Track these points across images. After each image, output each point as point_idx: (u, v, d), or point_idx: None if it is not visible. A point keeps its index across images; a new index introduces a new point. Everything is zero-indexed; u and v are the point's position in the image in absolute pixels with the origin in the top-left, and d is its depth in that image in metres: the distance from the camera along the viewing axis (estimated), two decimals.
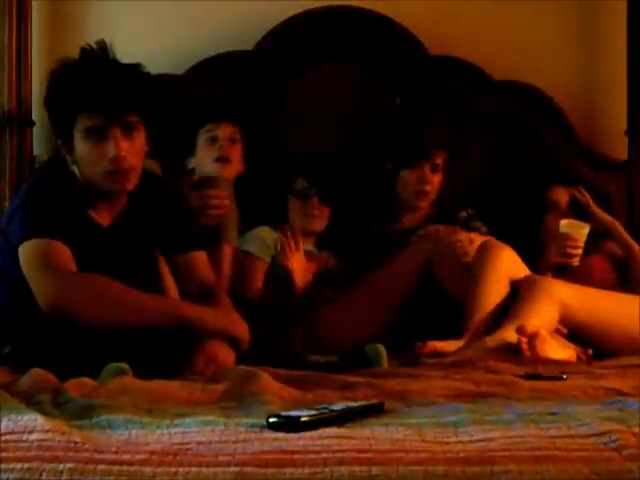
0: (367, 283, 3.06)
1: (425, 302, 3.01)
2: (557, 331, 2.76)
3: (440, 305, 3.01)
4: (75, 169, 2.39)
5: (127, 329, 2.20)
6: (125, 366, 2.09)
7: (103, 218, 2.42)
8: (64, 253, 2.28)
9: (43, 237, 2.28)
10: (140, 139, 2.38)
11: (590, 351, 2.73)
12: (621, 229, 3.28)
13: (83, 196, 2.39)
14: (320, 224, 3.37)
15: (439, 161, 3.35)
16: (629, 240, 3.26)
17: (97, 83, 2.32)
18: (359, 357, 2.44)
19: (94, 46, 2.37)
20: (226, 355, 2.30)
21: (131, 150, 2.34)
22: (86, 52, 2.38)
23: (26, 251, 2.29)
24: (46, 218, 2.32)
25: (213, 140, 3.27)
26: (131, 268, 2.39)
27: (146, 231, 2.46)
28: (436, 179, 3.36)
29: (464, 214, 3.41)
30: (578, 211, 3.27)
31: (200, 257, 2.52)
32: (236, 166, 3.27)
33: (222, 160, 3.21)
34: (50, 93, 2.43)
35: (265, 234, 3.29)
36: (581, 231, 3.07)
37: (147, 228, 2.46)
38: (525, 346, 2.54)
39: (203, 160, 3.25)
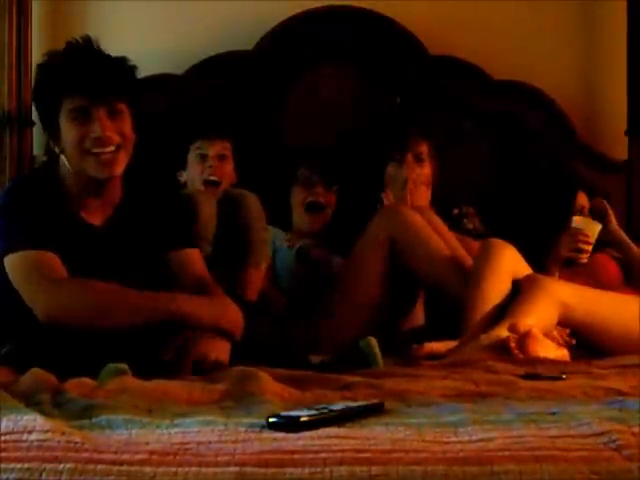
0: (341, 280, 3.05)
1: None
2: (559, 333, 2.75)
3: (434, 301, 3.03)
4: (63, 158, 2.39)
5: (123, 330, 2.20)
6: (124, 366, 2.09)
7: (95, 217, 2.42)
8: (51, 261, 2.28)
9: (27, 248, 2.28)
10: (127, 125, 2.38)
11: (573, 340, 2.73)
12: (632, 245, 3.31)
13: (70, 196, 2.39)
14: (324, 218, 3.37)
15: (422, 150, 3.36)
16: (635, 252, 3.28)
17: (81, 68, 2.35)
18: (354, 353, 2.43)
19: (79, 40, 2.40)
20: (220, 349, 2.29)
21: (116, 131, 2.34)
22: (71, 44, 2.41)
23: (11, 264, 2.29)
24: (28, 227, 2.32)
25: (203, 158, 3.26)
26: (128, 266, 2.39)
27: (140, 228, 2.45)
28: (424, 170, 3.35)
29: (456, 212, 3.41)
30: (596, 219, 3.27)
31: (194, 253, 2.52)
32: (228, 181, 3.26)
33: (212, 184, 3.20)
34: (37, 83, 2.46)
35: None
36: (593, 228, 3.11)
37: (141, 225, 2.45)
38: (513, 345, 2.53)
39: (193, 177, 3.25)
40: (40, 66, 2.44)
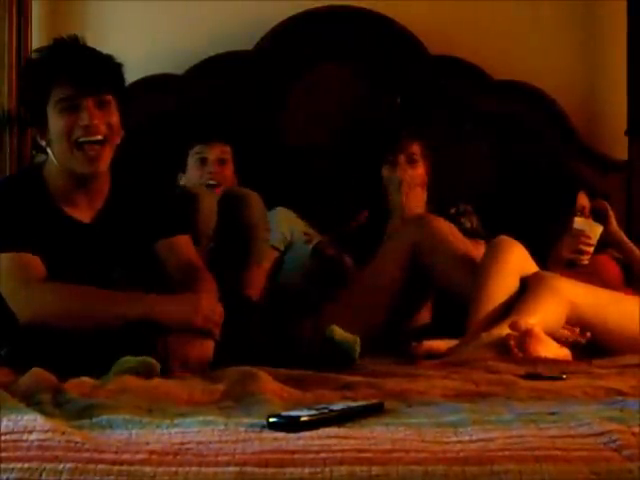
0: (356, 281, 3.05)
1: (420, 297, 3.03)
2: (570, 332, 2.74)
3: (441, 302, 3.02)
4: (50, 153, 2.41)
5: (100, 331, 2.22)
6: (151, 360, 2.10)
7: (83, 214, 2.44)
8: (31, 263, 2.31)
9: (8, 250, 2.32)
10: (114, 116, 2.40)
11: (588, 334, 2.73)
12: (632, 246, 3.31)
13: (57, 193, 2.41)
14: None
15: (414, 151, 3.35)
16: (636, 253, 3.29)
17: (70, 59, 2.38)
18: (326, 346, 2.44)
19: (66, 37, 2.44)
20: (201, 348, 2.29)
21: (104, 122, 2.37)
22: (58, 40, 2.46)
23: None
24: (11, 228, 2.35)
25: (203, 162, 3.27)
26: (117, 261, 2.41)
27: (129, 221, 2.47)
28: (418, 171, 3.35)
29: (453, 210, 3.40)
30: (597, 220, 3.28)
31: (184, 240, 2.53)
32: (228, 185, 3.26)
33: (212, 187, 3.21)
34: (25, 76, 2.51)
35: (281, 218, 3.28)
36: (595, 230, 3.11)
37: (129, 218, 2.47)
38: (512, 343, 2.53)
39: (193, 181, 3.25)
40: (29, 60, 2.48)
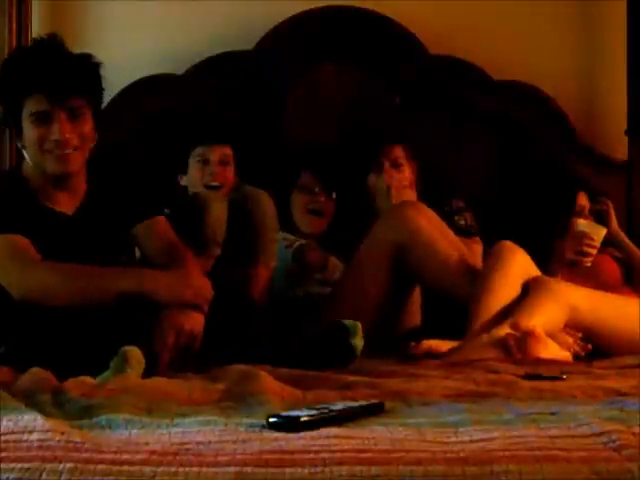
0: (343, 282, 3.04)
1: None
2: (573, 340, 2.74)
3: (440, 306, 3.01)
4: (25, 154, 2.45)
5: (93, 307, 2.23)
6: (127, 351, 2.10)
7: (65, 207, 2.47)
8: (25, 244, 2.34)
9: (2, 233, 2.35)
10: (87, 125, 2.43)
11: (589, 346, 2.73)
12: (632, 246, 3.32)
13: (38, 190, 2.44)
14: (324, 222, 3.37)
15: (397, 155, 3.34)
16: (636, 253, 3.30)
17: (43, 68, 2.39)
18: (334, 330, 2.44)
19: (44, 37, 2.46)
20: (193, 321, 2.30)
21: (75, 133, 2.39)
22: (36, 41, 2.48)
23: None
24: (1, 215, 2.38)
25: (205, 163, 3.27)
26: (101, 251, 2.43)
27: (108, 213, 2.50)
28: (405, 174, 3.34)
29: (446, 209, 3.39)
30: (597, 220, 3.28)
31: (160, 220, 2.56)
32: (228, 186, 3.27)
33: (213, 188, 3.21)
34: (1, 80, 2.50)
35: None
36: (599, 232, 3.11)
37: (108, 210, 2.50)
38: (512, 342, 2.53)
39: (195, 182, 3.26)
40: (5, 62, 2.53)
